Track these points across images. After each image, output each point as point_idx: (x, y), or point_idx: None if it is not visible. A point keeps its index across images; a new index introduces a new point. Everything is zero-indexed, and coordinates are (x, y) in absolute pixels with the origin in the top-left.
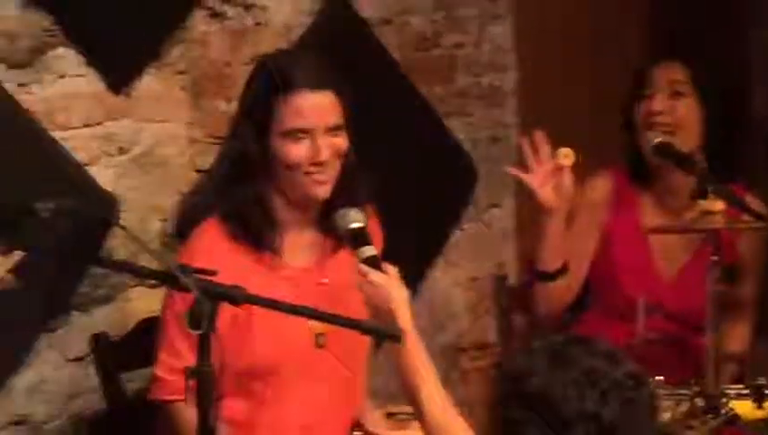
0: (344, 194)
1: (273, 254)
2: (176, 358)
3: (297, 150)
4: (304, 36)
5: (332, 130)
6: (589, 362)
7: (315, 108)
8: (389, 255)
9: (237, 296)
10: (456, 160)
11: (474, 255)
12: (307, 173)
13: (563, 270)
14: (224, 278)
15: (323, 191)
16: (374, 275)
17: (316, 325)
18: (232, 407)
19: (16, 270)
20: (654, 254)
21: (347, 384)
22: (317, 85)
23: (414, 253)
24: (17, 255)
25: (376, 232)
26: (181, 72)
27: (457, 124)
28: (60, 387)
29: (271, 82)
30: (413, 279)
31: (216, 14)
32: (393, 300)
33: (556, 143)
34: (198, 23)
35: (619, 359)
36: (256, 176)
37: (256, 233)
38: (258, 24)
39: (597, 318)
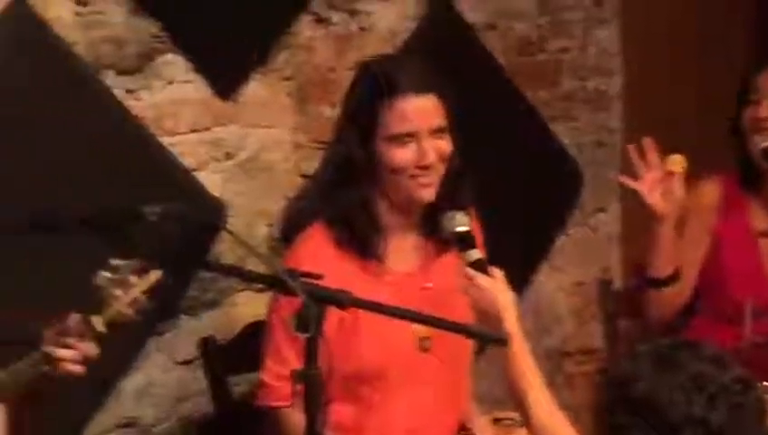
0: (447, 197)
1: (377, 259)
2: (282, 365)
3: (403, 154)
4: (408, 41)
5: (437, 132)
6: (696, 366)
7: (420, 111)
8: (495, 259)
9: (344, 300)
10: (562, 165)
11: (579, 259)
12: (412, 176)
13: (675, 276)
14: (328, 283)
15: (428, 194)
16: (481, 279)
17: (420, 329)
18: (339, 412)
19: (151, 291)
20: (763, 258)
21: (451, 388)
22: (421, 89)
23: (519, 257)
24: (153, 275)
25: (477, 235)
26: (287, 78)
27: (563, 128)
28: (168, 390)
29: (376, 87)
30: (518, 284)
31: (321, 20)
32: (500, 304)
33: (663, 148)
34: (304, 28)
35: (727, 363)
36: (361, 180)
37: (362, 239)
38: (363, 29)
39: (705, 322)
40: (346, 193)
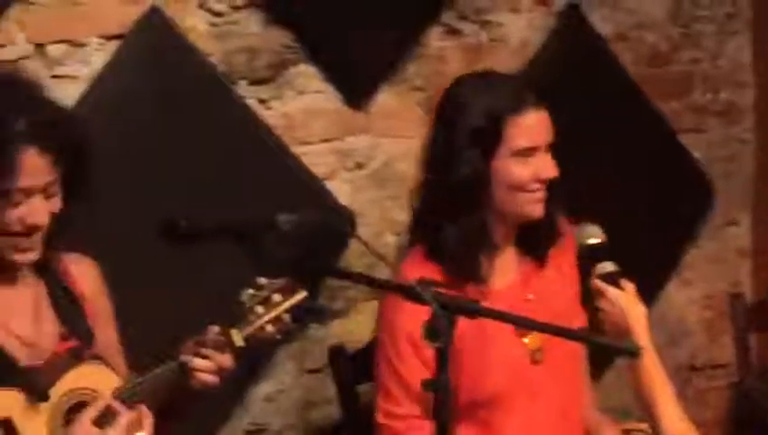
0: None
1: (483, 279)
2: (392, 403)
3: (524, 169)
4: (539, 53)
5: (550, 146)
6: None
7: (542, 126)
8: (624, 271)
9: (474, 309)
10: (692, 178)
11: (709, 273)
12: (530, 191)
13: None
14: None
15: (541, 209)
16: (612, 292)
17: (531, 342)
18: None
19: (294, 311)
20: None
21: (566, 398)
22: (538, 103)
23: (649, 270)
24: (298, 295)
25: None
26: (417, 89)
27: (693, 141)
28: (296, 397)
29: (500, 102)
30: (647, 297)
31: (452, 31)
32: (631, 316)
33: None
34: (435, 39)
35: None
36: (482, 201)
37: (474, 264)
38: (493, 40)
39: None
40: (467, 217)
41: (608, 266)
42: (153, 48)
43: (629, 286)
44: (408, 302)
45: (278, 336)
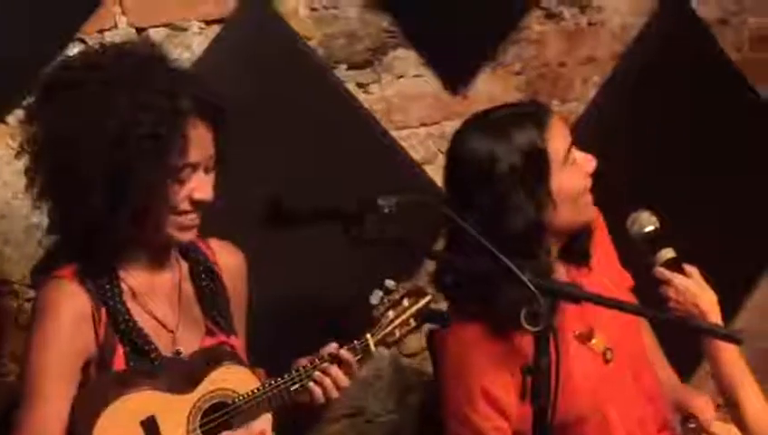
0: None
1: None
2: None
3: (575, 173)
4: (639, 37)
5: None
6: None
7: (562, 123)
8: (720, 259)
9: (575, 294)
10: None
11: None
12: (586, 193)
13: None
14: None
15: (594, 211)
16: (680, 279)
17: (597, 344)
18: None
19: (420, 315)
20: None
21: (645, 385)
22: (546, 107)
23: (740, 260)
24: (424, 299)
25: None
26: (516, 73)
27: None
28: (395, 381)
29: (534, 122)
30: (741, 285)
31: (551, 15)
32: (701, 302)
33: None
34: (534, 23)
35: None
36: (543, 240)
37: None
38: (593, 24)
39: None
40: (533, 262)
41: (668, 253)
42: (253, 33)
43: (694, 271)
44: (478, 356)
45: (402, 339)
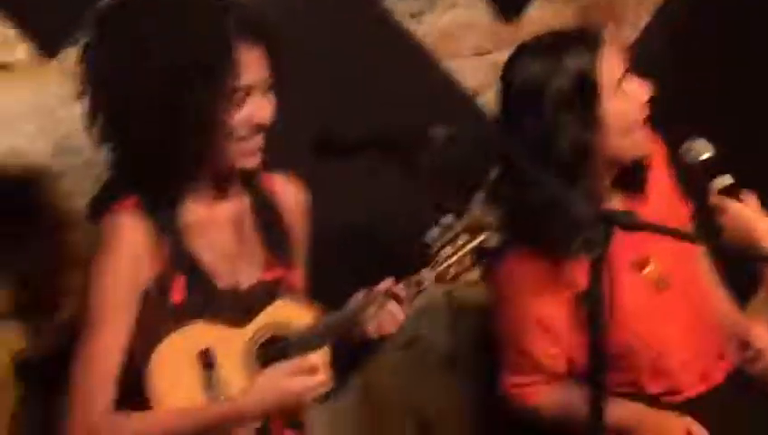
0: None
1: None
2: (520, 375)
3: (632, 100)
4: None
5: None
6: None
7: (617, 47)
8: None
9: (630, 221)
10: None
11: None
12: (641, 127)
13: None
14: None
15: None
16: (735, 206)
17: (651, 272)
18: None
19: (479, 252)
20: None
21: (701, 313)
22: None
23: None
24: (483, 235)
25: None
26: (569, 0)
27: None
28: (449, 310)
29: (585, 46)
30: None
31: None
32: (759, 229)
33: None
34: None
35: None
36: (589, 167)
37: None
38: None
39: None
40: (582, 188)
41: (725, 180)
42: None
43: (752, 199)
44: (531, 285)
45: (457, 277)
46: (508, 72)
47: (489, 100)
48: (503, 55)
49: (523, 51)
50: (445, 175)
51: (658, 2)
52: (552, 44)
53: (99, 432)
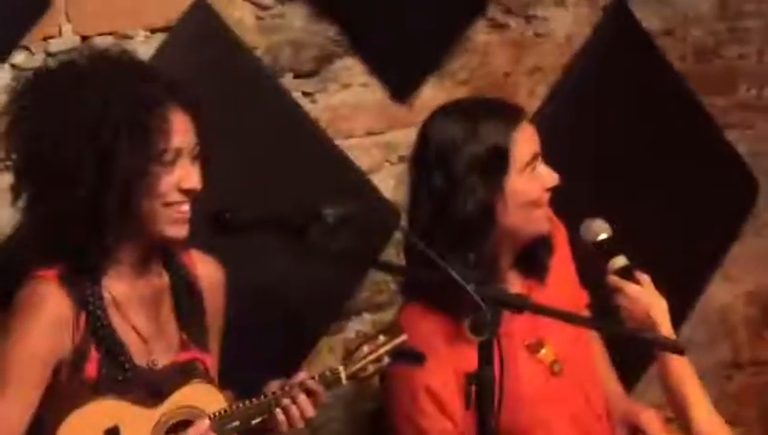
0: None
1: None
2: None
3: (536, 182)
4: (585, 48)
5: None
6: None
7: (534, 133)
8: (666, 267)
9: (521, 304)
10: (736, 173)
11: (753, 269)
12: (542, 205)
13: None
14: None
15: (548, 223)
16: (631, 288)
17: (546, 355)
18: None
19: (394, 353)
20: None
21: (592, 397)
22: (522, 112)
23: (691, 267)
24: (400, 338)
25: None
26: (462, 83)
27: (739, 136)
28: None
29: (494, 126)
30: (690, 293)
31: (497, 25)
32: (652, 309)
33: None
34: (480, 33)
35: None
36: (488, 234)
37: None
38: (539, 35)
39: None
40: (477, 254)
41: (620, 261)
42: (199, 41)
43: (646, 279)
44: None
45: (374, 375)
46: (428, 128)
47: (381, 179)
48: (395, 136)
49: (446, 110)
50: (336, 256)
51: (550, 85)
52: (474, 111)
53: None
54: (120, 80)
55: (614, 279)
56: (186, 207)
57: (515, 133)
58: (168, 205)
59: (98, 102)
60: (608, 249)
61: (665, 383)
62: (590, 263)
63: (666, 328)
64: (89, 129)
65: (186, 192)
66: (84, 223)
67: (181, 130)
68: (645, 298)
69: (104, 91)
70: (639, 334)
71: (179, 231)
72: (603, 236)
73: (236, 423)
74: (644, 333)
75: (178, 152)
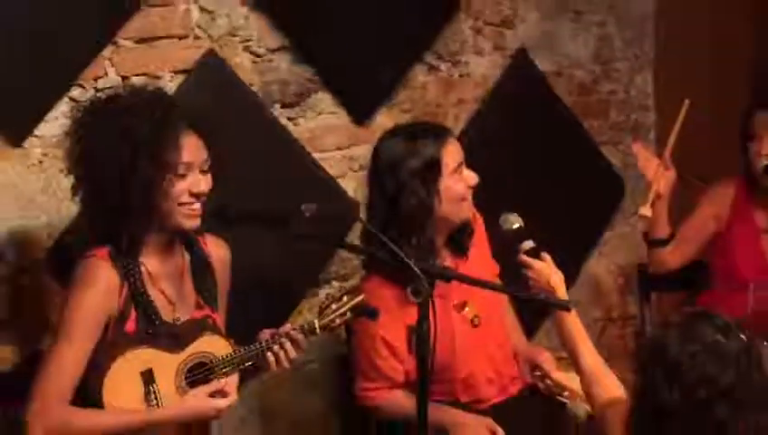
0: None
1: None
2: (370, 383)
3: (461, 182)
4: (497, 85)
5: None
6: (711, 335)
7: (457, 145)
8: (556, 248)
9: (448, 274)
10: (609, 178)
11: (622, 249)
12: (466, 199)
13: (669, 239)
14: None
15: (470, 210)
16: (537, 264)
17: (469, 312)
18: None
19: (355, 309)
20: (765, 249)
21: (502, 344)
22: (449, 132)
23: (576, 247)
24: (359, 298)
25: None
26: (406, 111)
27: (612, 151)
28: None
29: (436, 138)
30: (575, 266)
31: (432, 68)
32: (552, 280)
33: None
34: (419, 74)
35: (734, 331)
36: (427, 222)
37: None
38: (462, 75)
39: (720, 295)
40: (421, 237)
41: (529, 244)
42: (210, 80)
43: (547, 257)
44: (382, 314)
45: (340, 326)
46: (379, 147)
47: (346, 183)
48: (357, 150)
49: (391, 133)
50: (312, 240)
51: (470, 113)
52: (414, 132)
53: (52, 418)
54: (146, 110)
55: (524, 258)
56: (196, 206)
57: (445, 147)
58: (182, 204)
59: (126, 127)
60: (519, 235)
61: (560, 333)
62: (506, 245)
63: (561, 292)
64: (119, 147)
65: (195, 195)
66: (120, 217)
67: (192, 149)
68: (546, 271)
69: (132, 120)
70: (537, 296)
71: (193, 223)
72: (516, 225)
73: (240, 363)
74: (540, 295)
75: (189, 166)
